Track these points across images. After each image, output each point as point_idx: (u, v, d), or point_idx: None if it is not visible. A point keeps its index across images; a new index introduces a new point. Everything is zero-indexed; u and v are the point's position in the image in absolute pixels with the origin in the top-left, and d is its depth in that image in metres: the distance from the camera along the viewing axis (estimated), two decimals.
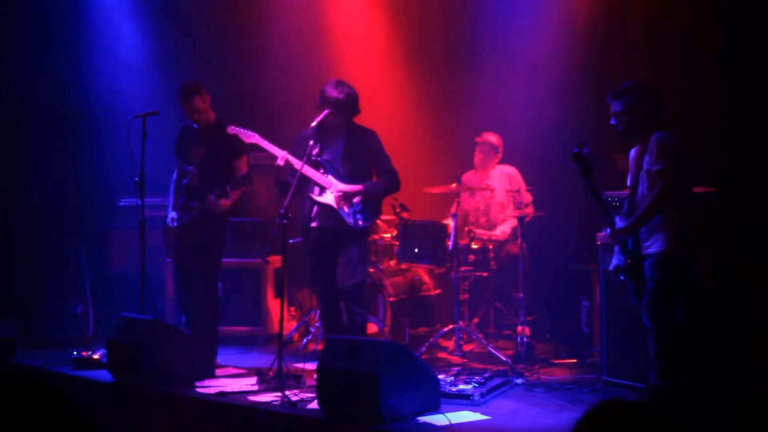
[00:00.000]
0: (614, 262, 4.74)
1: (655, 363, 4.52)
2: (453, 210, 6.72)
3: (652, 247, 4.54)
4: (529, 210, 6.82)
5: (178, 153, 6.43)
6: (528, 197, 6.97)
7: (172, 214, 6.31)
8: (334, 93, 5.71)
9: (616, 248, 4.73)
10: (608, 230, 4.69)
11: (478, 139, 7.32)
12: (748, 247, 4.95)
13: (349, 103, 5.77)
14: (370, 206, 5.84)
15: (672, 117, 4.93)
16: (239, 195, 6.23)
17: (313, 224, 5.81)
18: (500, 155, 7.32)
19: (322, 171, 5.78)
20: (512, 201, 6.98)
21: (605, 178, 6.28)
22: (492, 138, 7.28)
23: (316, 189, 5.79)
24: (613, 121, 4.74)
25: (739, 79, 5.77)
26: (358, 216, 5.77)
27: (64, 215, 7.64)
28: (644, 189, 4.62)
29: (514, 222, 6.87)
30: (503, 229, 7.22)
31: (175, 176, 6.42)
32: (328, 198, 5.76)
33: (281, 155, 5.69)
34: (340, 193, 5.75)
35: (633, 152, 4.83)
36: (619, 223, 4.63)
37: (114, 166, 7.34)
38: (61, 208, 7.70)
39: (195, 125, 6.33)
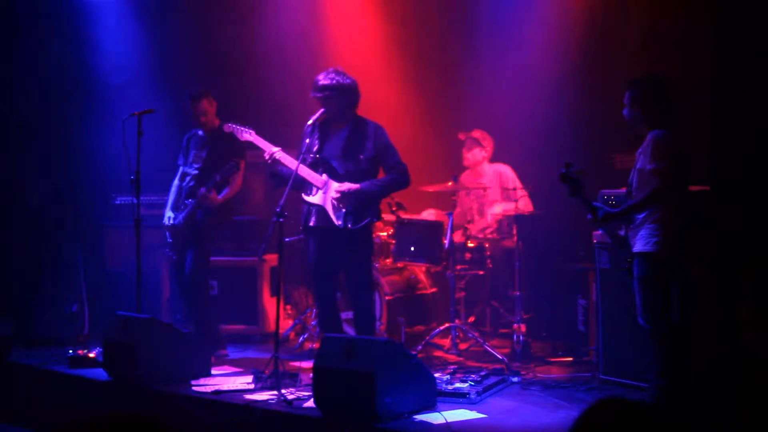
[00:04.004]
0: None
1: (655, 363, 4.51)
2: (456, 209, 6.75)
3: (636, 245, 4.53)
4: (523, 205, 6.82)
5: (181, 157, 6.65)
6: (521, 193, 6.94)
7: (169, 213, 6.53)
8: (320, 82, 5.61)
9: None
10: (589, 216, 4.64)
11: (461, 136, 7.35)
12: (743, 245, 4.95)
13: (341, 91, 5.61)
14: (363, 207, 5.64)
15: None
16: (231, 195, 6.43)
17: (311, 223, 5.77)
18: (488, 150, 7.32)
19: (320, 170, 5.70)
20: (505, 198, 7.00)
21: (603, 177, 6.30)
22: (476, 133, 7.31)
23: (313, 188, 5.71)
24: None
25: (735, 78, 5.78)
26: (349, 217, 5.62)
27: (60, 214, 7.62)
28: (636, 186, 4.59)
29: (504, 208, 6.89)
30: (493, 212, 7.20)
31: (176, 179, 6.64)
32: (318, 198, 5.68)
33: (269, 151, 5.66)
34: (336, 194, 5.62)
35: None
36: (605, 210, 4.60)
37: (110, 165, 7.33)
38: (57, 206, 7.68)
39: (200, 132, 6.55)
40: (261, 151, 5.83)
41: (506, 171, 7.30)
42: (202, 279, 6.49)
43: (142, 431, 1.73)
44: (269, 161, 5.66)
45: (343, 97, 5.65)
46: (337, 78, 5.62)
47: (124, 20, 8.18)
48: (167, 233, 6.51)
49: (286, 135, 6.52)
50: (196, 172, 6.46)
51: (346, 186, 5.63)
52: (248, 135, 5.82)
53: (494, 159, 7.40)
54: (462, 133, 7.36)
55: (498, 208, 7.17)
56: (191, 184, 6.45)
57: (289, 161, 5.63)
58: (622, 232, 4.70)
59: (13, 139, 7.87)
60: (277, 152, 5.65)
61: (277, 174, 5.68)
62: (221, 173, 6.20)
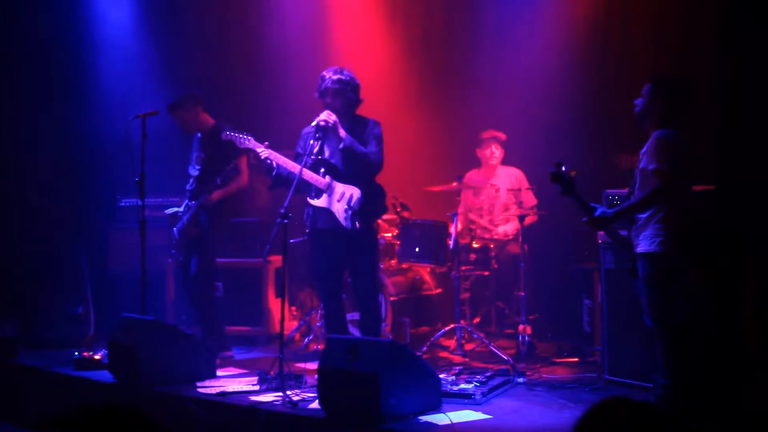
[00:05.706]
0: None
1: (660, 362, 4.50)
2: (460, 209, 6.75)
3: (641, 245, 4.52)
4: (532, 213, 6.83)
5: (189, 160, 6.64)
6: (531, 200, 7.00)
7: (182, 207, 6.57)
8: (333, 76, 5.62)
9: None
10: (585, 219, 4.60)
11: (485, 135, 7.35)
12: (747, 244, 4.94)
13: (349, 87, 5.65)
14: (370, 207, 5.66)
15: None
16: (232, 191, 6.40)
17: (317, 225, 5.74)
18: (503, 153, 7.38)
19: (321, 171, 5.71)
20: (515, 201, 7.00)
21: (607, 177, 6.30)
22: (500, 134, 7.35)
23: (318, 191, 5.70)
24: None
25: (739, 77, 5.77)
26: (356, 218, 5.62)
27: (65, 215, 7.64)
28: (638, 186, 4.57)
29: (517, 224, 6.87)
30: (505, 230, 7.23)
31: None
32: (323, 201, 5.66)
33: (261, 153, 5.61)
34: (340, 195, 5.61)
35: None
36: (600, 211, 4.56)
37: (114, 166, 7.34)
38: (62, 208, 7.70)
39: (198, 133, 6.54)
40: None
41: (518, 175, 7.36)
42: (207, 281, 6.49)
43: (119, 421, 1.73)
44: (267, 162, 5.62)
45: (353, 93, 5.70)
46: (349, 74, 5.69)
47: (128, 21, 8.20)
48: (174, 232, 6.52)
49: (287, 136, 6.52)
50: (197, 173, 6.46)
51: (345, 186, 5.61)
52: (247, 142, 5.78)
53: (505, 161, 7.44)
54: (489, 131, 7.38)
55: (509, 227, 7.22)
56: (194, 186, 6.45)
57: (283, 161, 5.62)
58: (624, 232, 4.69)
59: (16, 141, 7.89)
60: (263, 151, 5.61)
61: (277, 175, 5.66)
62: (221, 177, 6.18)
